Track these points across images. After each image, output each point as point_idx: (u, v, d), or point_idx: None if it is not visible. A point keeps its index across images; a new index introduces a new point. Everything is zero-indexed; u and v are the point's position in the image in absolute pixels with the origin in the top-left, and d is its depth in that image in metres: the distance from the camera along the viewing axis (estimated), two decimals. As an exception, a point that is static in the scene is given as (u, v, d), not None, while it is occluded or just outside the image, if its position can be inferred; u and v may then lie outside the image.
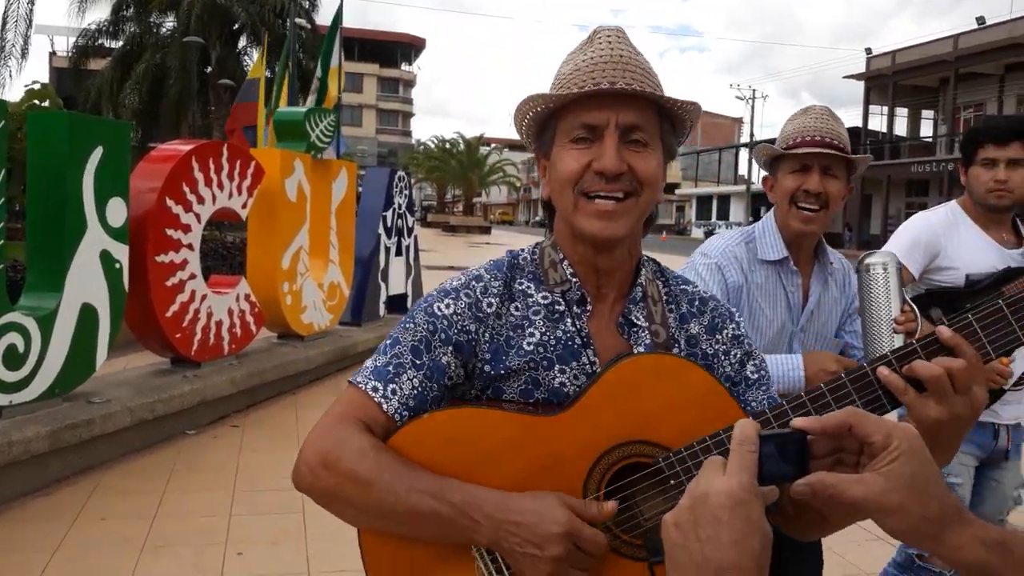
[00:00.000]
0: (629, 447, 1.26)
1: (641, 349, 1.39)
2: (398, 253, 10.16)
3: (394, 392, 1.31)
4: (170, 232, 6.02)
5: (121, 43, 30.84)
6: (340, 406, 1.34)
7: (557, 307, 1.39)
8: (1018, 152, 2.84)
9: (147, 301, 5.86)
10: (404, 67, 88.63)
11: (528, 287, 1.42)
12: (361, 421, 1.30)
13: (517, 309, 1.40)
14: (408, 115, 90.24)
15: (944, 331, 1.17)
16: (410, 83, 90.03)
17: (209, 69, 30.39)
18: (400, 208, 10.12)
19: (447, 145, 62.02)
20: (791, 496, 0.94)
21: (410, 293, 10.59)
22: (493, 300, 1.38)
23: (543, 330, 1.38)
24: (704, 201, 66.79)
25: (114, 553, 4.01)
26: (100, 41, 31.69)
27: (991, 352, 1.18)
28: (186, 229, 6.17)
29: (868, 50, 44.58)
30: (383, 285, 9.82)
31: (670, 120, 1.39)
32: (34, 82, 13.13)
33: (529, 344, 1.36)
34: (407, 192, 10.31)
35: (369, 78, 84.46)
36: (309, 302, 8.11)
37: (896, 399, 1.19)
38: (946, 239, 2.92)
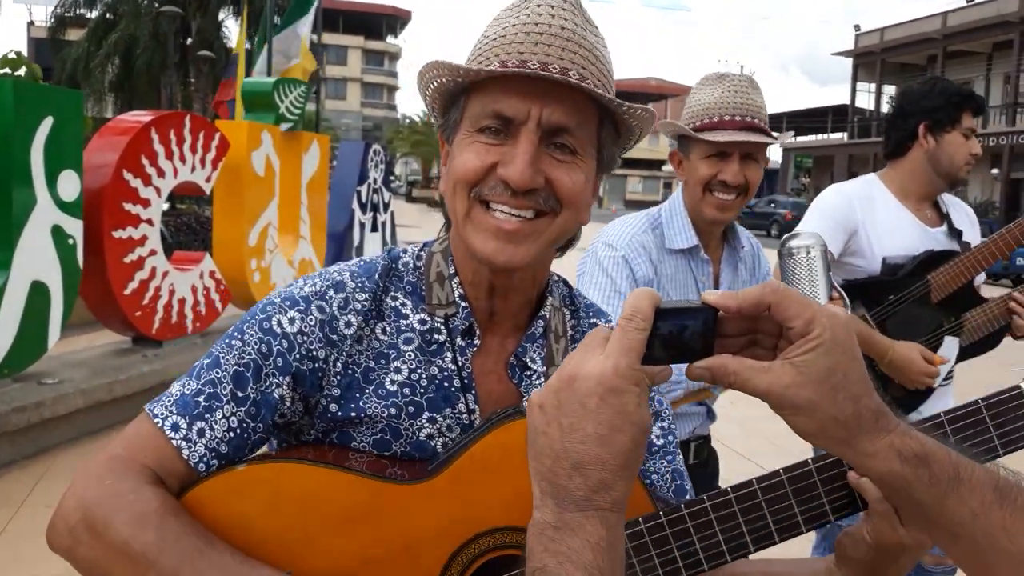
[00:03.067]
0: (502, 535, 0.99)
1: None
2: (374, 229, 9.93)
3: (201, 434, 1.00)
4: (128, 206, 5.79)
5: (97, 12, 30.24)
6: (124, 443, 1.01)
7: (436, 336, 1.10)
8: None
9: (104, 278, 5.65)
10: (389, 40, 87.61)
11: (403, 304, 1.11)
12: (148, 468, 0.98)
13: (384, 332, 1.09)
14: (393, 89, 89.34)
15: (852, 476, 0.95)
16: (395, 56, 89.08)
17: (189, 40, 29.89)
18: (376, 183, 9.88)
19: (432, 119, 61.31)
20: (692, 375, 0.78)
21: (386, 270, 10.38)
22: (353, 319, 1.07)
23: (413, 365, 1.08)
24: (691, 178, 66.49)
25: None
26: (79, 11, 31.08)
27: (999, 449, 0.94)
28: (145, 203, 5.94)
29: (857, 27, 44.36)
30: (357, 262, 9.59)
31: (613, 124, 1.08)
32: (10, 51, 12.77)
33: (393, 383, 1.07)
34: (383, 166, 10.07)
35: (354, 51, 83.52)
36: (279, 279, 7.88)
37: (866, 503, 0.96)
38: (863, 215, 2.65)
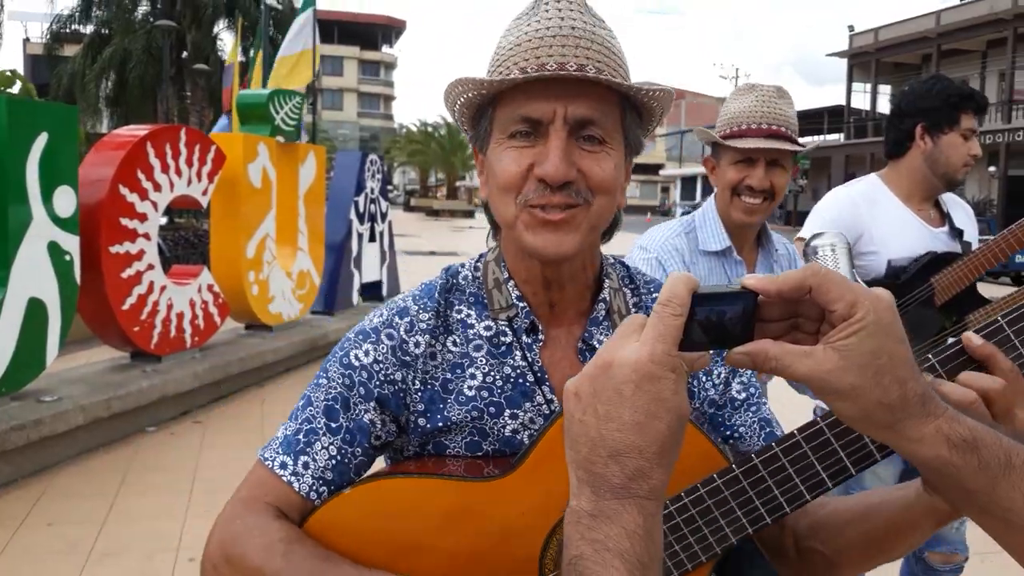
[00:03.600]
0: None
1: None
2: (371, 239, 9.92)
3: (306, 467, 1.11)
4: (125, 221, 5.77)
5: (92, 27, 30.28)
6: (247, 487, 1.13)
7: (503, 338, 1.17)
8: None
9: (102, 294, 5.62)
10: (385, 49, 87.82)
11: (468, 315, 1.19)
12: (271, 505, 1.10)
13: (455, 344, 1.17)
14: (390, 98, 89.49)
15: (973, 339, 0.95)
16: (391, 66, 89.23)
17: (184, 54, 29.94)
18: (373, 193, 9.87)
19: (429, 128, 61.59)
20: (731, 361, 0.76)
21: (385, 280, 10.38)
22: (421, 339, 1.16)
23: (487, 369, 1.16)
24: (689, 182, 66.65)
25: (58, 560, 3.80)
26: (74, 27, 31.16)
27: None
28: (142, 218, 5.93)
29: (851, 27, 44.43)
30: (356, 272, 9.58)
31: (635, 109, 1.14)
32: (5, 69, 12.79)
33: (470, 388, 1.15)
34: (380, 176, 10.07)
35: (349, 61, 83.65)
36: (277, 291, 7.87)
37: None
38: (869, 217, 2.65)
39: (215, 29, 30.86)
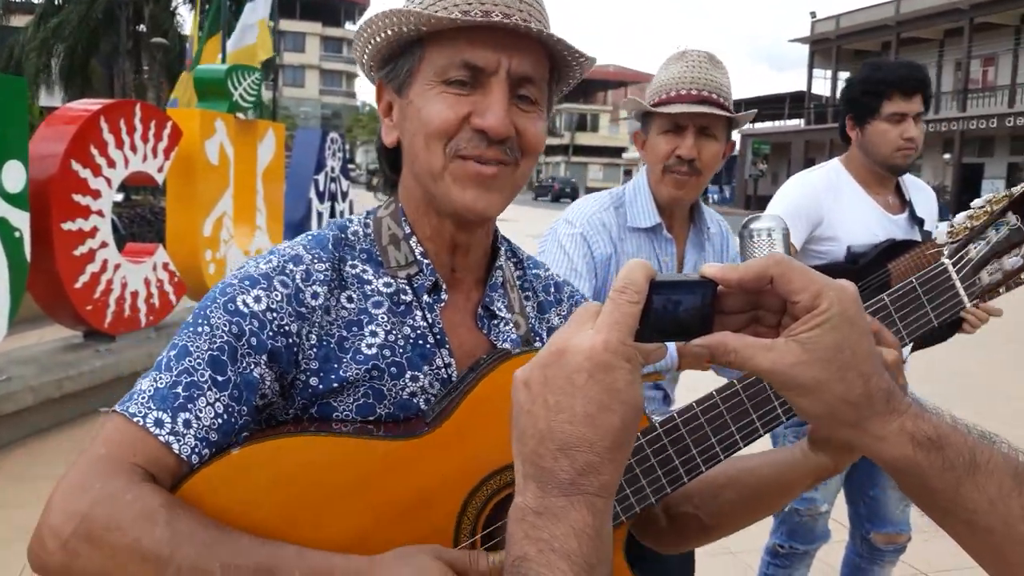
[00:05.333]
0: (509, 473, 1.01)
1: (506, 345, 1.15)
2: (332, 218, 9.82)
3: (188, 425, 0.95)
4: (77, 198, 5.64)
5: (44, -3, 29.48)
6: (104, 446, 0.95)
7: (403, 296, 1.10)
8: (920, 105, 2.56)
9: (53, 272, 5.50)
10: (348, 26, 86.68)
11: (364, 270, 1.11)
12: (139, 467, 0.93)
13: (351, 300, 1.08)
14: (352, 76, 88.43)
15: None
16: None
17: (142, 27, 29.28)
18: (333, 171, 9.77)
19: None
20: (690, 355, 0.76)
21: (346, 260, 10.27)
22: (319, 289, 1.05)
23: (388, 327, 1.08)
24: (651, 164, 66.78)
25: (8, 545, 3.72)
26: (25, -4, 30.34)
27: (905, 337, 1.03)
28: (95, 195, 5.80)
29: (813, 14, 44.80)
30: (316, 252, 9.48)
31: (557, 72, 1.13)
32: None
33: (370, 347, 1.06)
34: (341, 155, 9.96)
35: (311, 37, 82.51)
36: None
37: None
38: (829, 204, 2.64)
39: (173, 2, 30.21)
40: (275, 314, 1.02)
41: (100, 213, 5.86)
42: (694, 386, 2.45)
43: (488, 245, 1.19)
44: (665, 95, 2.04)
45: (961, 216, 1.18)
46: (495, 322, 1.16)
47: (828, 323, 0.69)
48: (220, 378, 0.98)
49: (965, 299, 1.04)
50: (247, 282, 1.02)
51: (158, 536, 0.88)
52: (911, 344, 1.06)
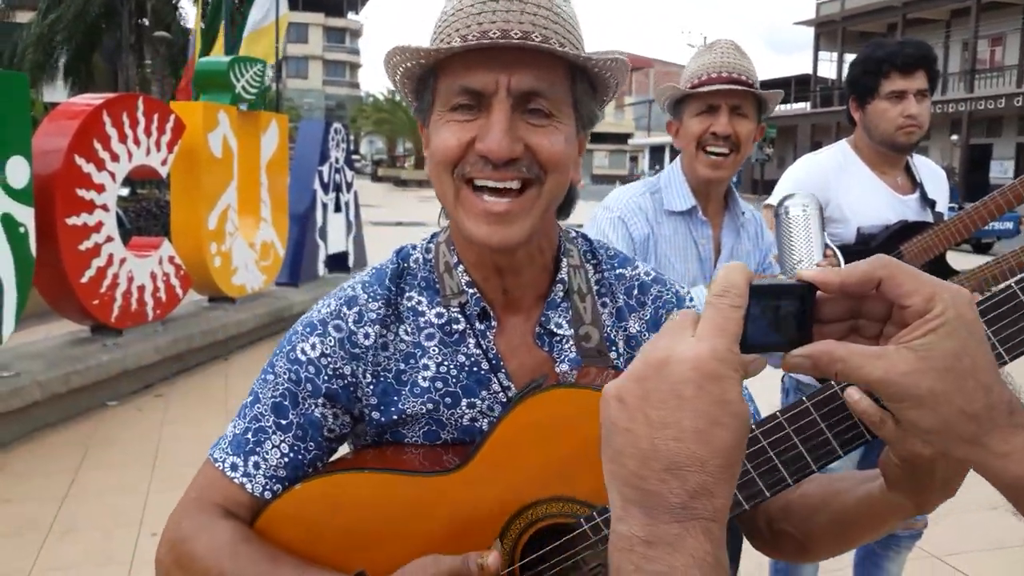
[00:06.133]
0: (544, 506, 1.02)
1: (564, 366, 1.12)
2: (337, 209, 9.82)
3: (257, 467, 1.09)
4: (82, 192, 5.65)
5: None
6: (196, 488, 1.12)
7: (455, 326, 1.12)
8: (923, 82, 2.52)
9: (59, 267, 5.51)
10: (350, 16, 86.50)
11: (419, 302, 1.14)
12: (219, 506, 1.09)
13: (407, 333, 1.13)
14: (355, 66, 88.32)
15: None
16: (357, 33, 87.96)
17: (145, 21, 29.25)
18: (338, 162, 9.75)
19: (396, 97, 60.90)
20: (789, 366, 0.67)
21: (351, 251, 10.28)
22: (371, 330, 1.11)
23: (440, 359, 1.11)
24: (657, 151, 66.70)
25: (16, 538, 3.75)
26: (28, -8, 30.29)
27: (1004, 355, 0.80)
28: (99, 189, 5.80)
29: (818, -4, 44.47)
30: (321, 243, 9.49)
31: (588, 81, 1.08)
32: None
33: (424, 380, 1.11)
34: (344, 145, 9.94)
35: (314, 28, 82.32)
36: (240, 263, 7.77)
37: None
38: (836, 185, 2.62)
39: (176, -4, 30.15)
40: (329, 359, 1.10)
41: (105, 207, 5.87)
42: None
43: (548, 260, 1.16)
44: (697, 80, 2.14)
45: None
46: (556, 339, 1.14)
47: (944, 328, 0.63)
48: (283, 422, 1.10)
49: None
50: (308, 330, 1.12)
51: (222, 568, 1.03)
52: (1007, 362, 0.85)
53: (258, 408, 1.11)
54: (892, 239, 2.56)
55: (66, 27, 26.56)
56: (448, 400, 1.10)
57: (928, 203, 2.67)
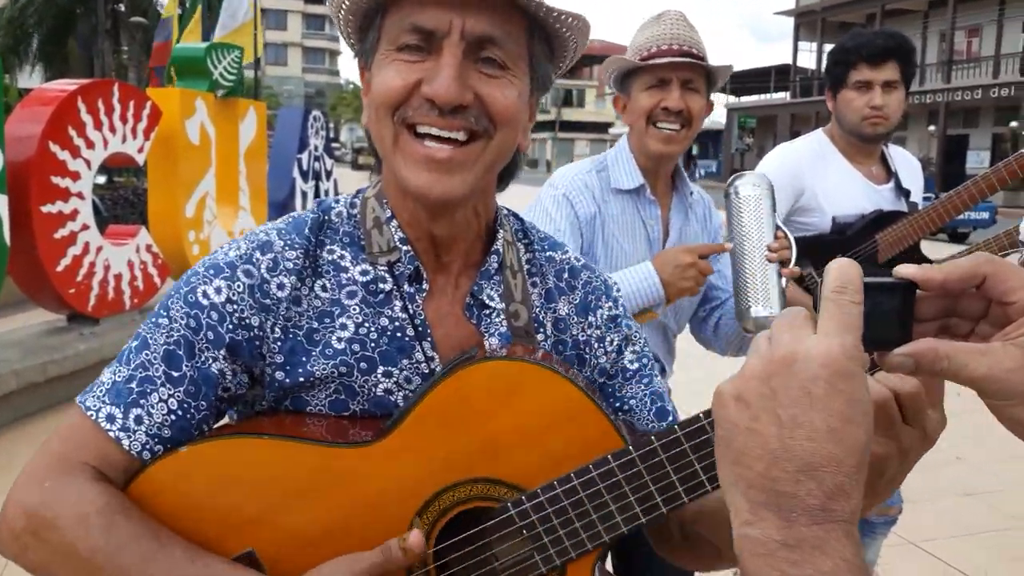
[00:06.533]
0: (468, 487, 0.96)
1: (494, 340, 1.06)
2: (316, 197, 9.74)
3: (139, 421, 0.94)
4: (56, 180, 5.57)
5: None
6: (59, 441, 0.96)
7: (381, 285, 1.03)
8: (893, 73, 2.53)
9: (34, 255, 5.44)
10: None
11: (341, 256, 1.04)
12: (89, 466, 0.94)
13: (324, 289, 1.02)
14: (335, 53, 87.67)
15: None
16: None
17: (121, 6, 28.89)
18: (317, 150, 9.70)
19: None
20: (890, 366, 0.66)
21: (331, 239, 10.22)
22: (286, 280, 1.00)
23: (360, 319, 1.01)
24: (637, 140, 66.61)
25: (-7, 530, 3.71)
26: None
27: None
28: (75, 176, 5.73)
29: (797, -15, 44.61)
30: (301, 231, 9.43)
31: (546, 40, 1.02)
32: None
33: (340, 340, 1.00)
34: (324, 133, 9.88)
35: (293, 15, 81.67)
36: (219, 251, 7.71)
37: None
38: (812, 173, 2.62)
39: (152, -20, 29.79)
40: (236, 306, 0.98)
41: (80, 195, 5.80)
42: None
43: (480, 227, 1.09)
44: (647, 52, 2.04)
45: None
46: (486, 311, 1.07)
47: None
48: (175, 373, 0.96)
49: None
50: (211, 271, 0.99)
51: (93, 543, 0.89)
52: None
53: (145, 355, 0.96)
54: (867, 228, 2.58)
55: (37, 11, 26.17)
56: (364, 365, 1.01)
57: (903, 192, 2.69)
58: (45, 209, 5.48)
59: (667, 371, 2.28)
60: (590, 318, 1.14)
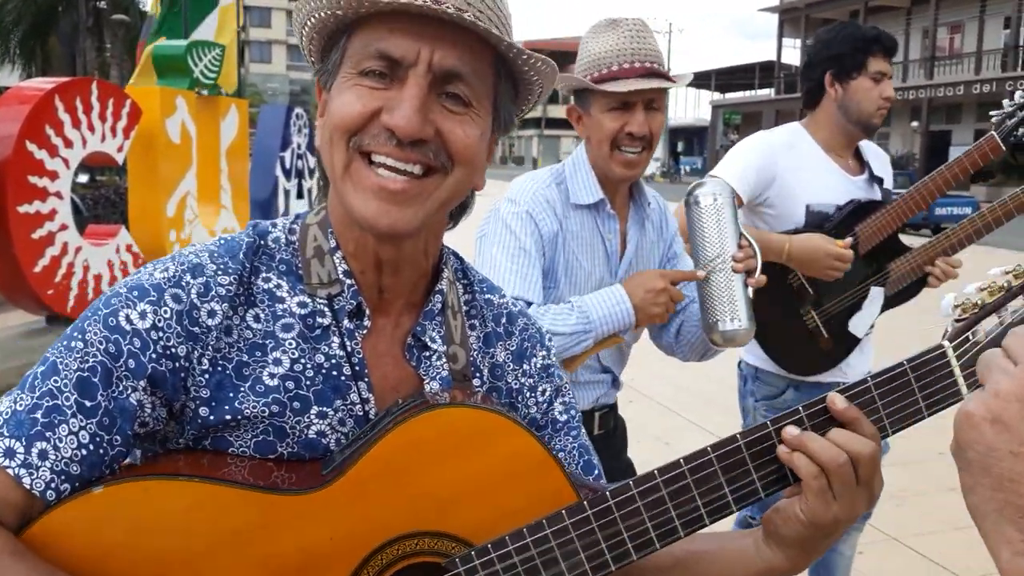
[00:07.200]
0: (412, 541, 0.90)
1: (435, 384, 1.02)
2: (299, 196, 9.68)
3: (43, 456, 0.84)
4: (34, 180, 5.50)
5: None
6: None
7: (319, 320, 0.97)
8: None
9: (11, 256, 5.38)
10: None
11: (278, 286, 0.97)
12: None
13: (257, 320, 0.95)
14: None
15: (836, 401, 0.90)
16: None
17: (103, 3, 28.70)
18: (300, 148, 9.61)
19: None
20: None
21: (315, 238, 10.16)
22: (218, 307, 0.92)
23: (296, 354, 0.95)
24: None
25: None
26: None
27: (888, 428, 0.92)
28: (52, 176, 5.66)
29: (781, -18, 44.74)
30: (284, 230, 9.36)
31: (512, 80, 0.99)
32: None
33: (272, 377, 0.94)
34: (307, 131, 9.81)
35: (277, 12, 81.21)
36: (201, 251, 7.63)
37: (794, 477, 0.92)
38: (785, 163, 2.59)
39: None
40: (161, 333, 0.90)
41: (58, 195, 5.73)
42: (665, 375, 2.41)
43: (427, 265, 1.05)
44: (607, 70, 1.93)
45: (972, 288, 1.03)
46: (426, 354, 1.03)
47: None
48: (88, 403, 0.87)
49: (964, 389, 0.90)
50: (135, 293, 0.91)
51: None
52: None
53: (54, 382, 0.86)
54: (847, 220, 2.58)
55: (17, 7, 25.94)
56: (296, 405, 0.94)
57: (876, 180, 2.70)
58: (22, 209, 5.41)
59: (618, 382, 2.22)
60: (524, 366, 1.12)
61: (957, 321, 0.99)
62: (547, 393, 1.13)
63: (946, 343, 0.91)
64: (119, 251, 6.47)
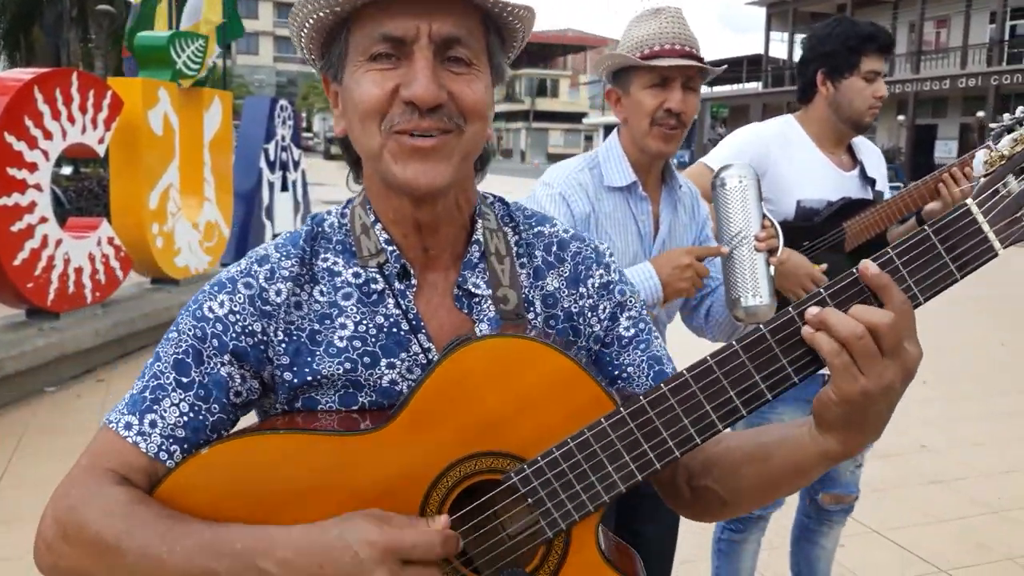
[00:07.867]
0: (472, 462, 1.01)
1: (484, 326, 1.11)
2: (284, 188, 9.66)
3: (153, 425, 1.03)
4: (12, 172, 5.46)
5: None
6: (88, 455, 1.04)
7: (373, 286, 1.10)
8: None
9: (-10, 249, 5.32)
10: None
11: (335, 263, 1.11)
12: (111, 471, 1.01)
13: (322, 294, 1.10)
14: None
15: (870, 267, 0.92)
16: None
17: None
18: (284, 140, 9.58)
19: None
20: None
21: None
22: (283, 287, 1.07)
23: (358, 318, 1.08)
24: (611, 130, 66.71)
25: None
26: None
27: (919, 296, 0.93)
28: (32, 168, 5.61)
29: (769, -24, 44.75)
30: (268, 223, 9.34)
31: (498, 32, 1.09)
32: None
33: (341, 339, 1.08)
34: (291, 122, 9.76)
35: (264, 3, 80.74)
36: (183, 244, 7.59)
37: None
38: (776, 157, 2.59)
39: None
40: (238, 316, 1.06)
41: (38, 187, 5.68)
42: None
43: (465, 218, 1.15)
44: (649, 50, 2.05)
45: (1007, 140, 0.98)
46: (475, 300, 1.13)
47: None
48: (184, 379, 1.04)
49: (997, 244, 0.90)
50: (215, 287, 1.08)
51: (116, 530, 0.95)
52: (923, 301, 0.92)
53: (158, 367, 1.05)
54: (834, 216, 2.57)
55: (36, 2, 25.71)
56: (367, 360, 1.07)
57: (868, 181, 2.68)
58: (1, 202, 5.36)
59: None
60: (581, 288, 1.18)
61: (985, 175, 0.95)
62: (608, 310, 1.18)
63: (969, 201, 0.91)
64: (100, 244, 6.43)
